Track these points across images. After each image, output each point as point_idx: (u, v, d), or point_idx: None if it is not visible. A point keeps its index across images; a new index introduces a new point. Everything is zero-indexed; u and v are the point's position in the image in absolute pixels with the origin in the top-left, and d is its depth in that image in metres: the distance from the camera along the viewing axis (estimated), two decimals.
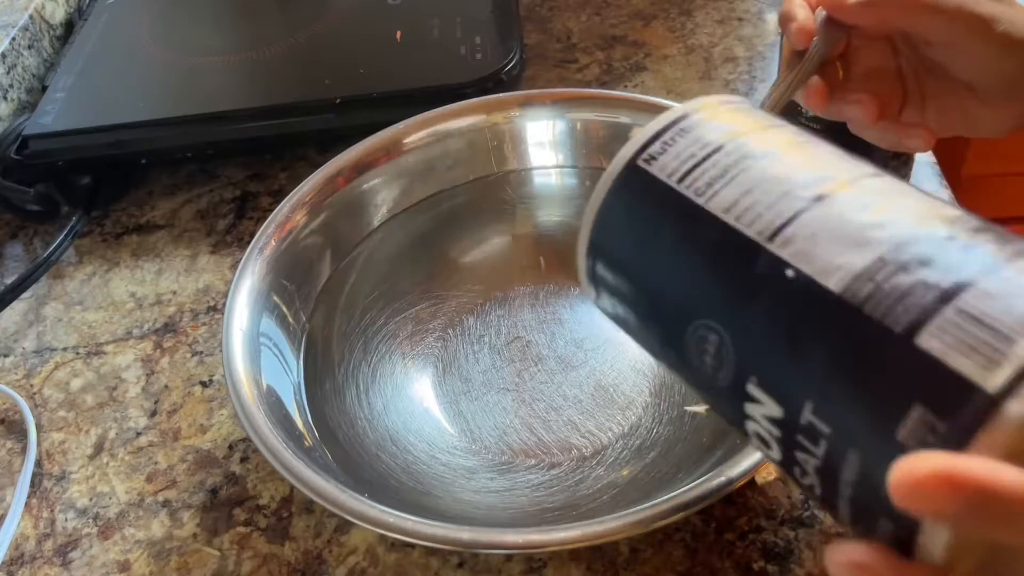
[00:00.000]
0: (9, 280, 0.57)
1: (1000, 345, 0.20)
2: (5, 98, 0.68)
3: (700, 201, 0.26)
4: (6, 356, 0.54)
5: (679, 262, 0.27)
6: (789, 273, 0.24)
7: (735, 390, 0.25)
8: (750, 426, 0.26)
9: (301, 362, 0.46)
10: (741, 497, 0.41)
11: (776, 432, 0.25)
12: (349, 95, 0.60)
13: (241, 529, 0.44)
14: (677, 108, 0.29)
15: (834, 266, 0.23)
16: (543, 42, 0.70)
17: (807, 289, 0.23)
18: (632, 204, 0.28)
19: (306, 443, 0.42)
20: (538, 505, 0.42)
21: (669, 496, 0.35)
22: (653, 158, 0.28)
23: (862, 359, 0.22)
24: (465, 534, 0.35)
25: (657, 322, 0.28)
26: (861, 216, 0.24)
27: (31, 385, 0.52)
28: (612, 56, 0.68)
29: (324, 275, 0.50)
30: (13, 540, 0.45)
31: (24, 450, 0.48)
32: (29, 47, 0.71)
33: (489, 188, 0.54)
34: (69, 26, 0.76)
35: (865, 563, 0.21)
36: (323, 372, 0.47)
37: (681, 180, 0.27)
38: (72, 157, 0.61)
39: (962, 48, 0.36)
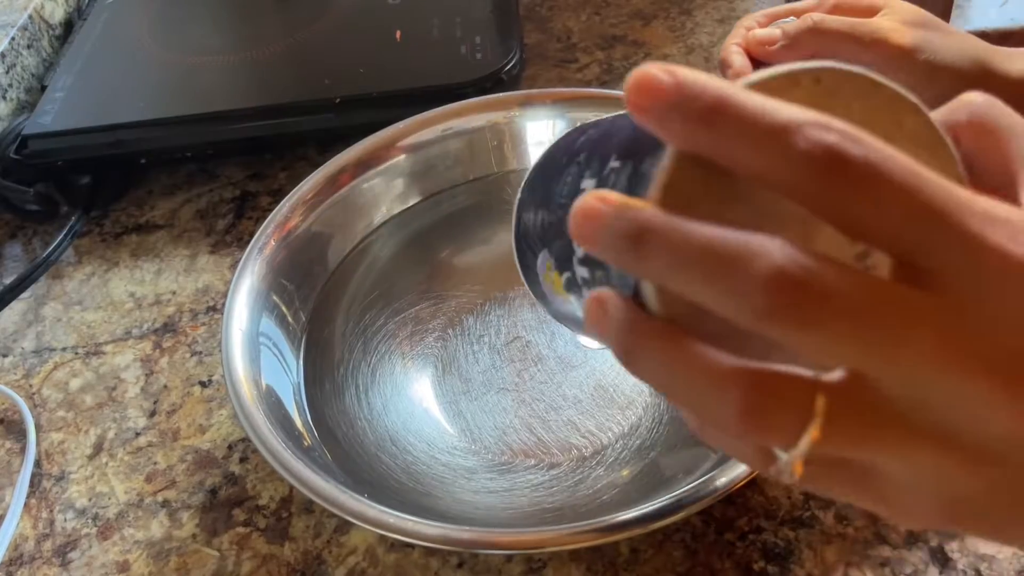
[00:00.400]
0: (8, 280, 0.57)
1: None
2: (4, 98, 0.67)
3: None
4: (5, 356, 0.54)
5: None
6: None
7: (578, 188, 0.28)
8: (578, 271, 0.27)
9: (301, 362, 0.46)
10: (741, 497, 0.41)
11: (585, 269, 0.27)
12: (349, 95, 0.60)
13: (240, 529, 0.44)
14: None
15: None
16: (543, 42, 0.70)
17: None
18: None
19: (305, 443, 0.42)
20: (538, 505, 0.42)
21: (669, 496, 0.35)
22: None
23: None
24: (465, 535, 0.35)
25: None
26: None
27: (30, 385, 0.52)
28: (612, 56, 0.68)
29: (324, 275, 0.50)
30: (12, 540, 0.45)
31: (23, 450, 0.48)
32: (28, 47, 0.71)
33: (489, 188, 0.54)
34: (68, 26, 0.76)
35: (603, 298, 0.22)
36: (323, 372, 0.47)
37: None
38: (71, 157, 0.61)
39: (884, 74, 0.38)
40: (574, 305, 0.29)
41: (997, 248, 0.19)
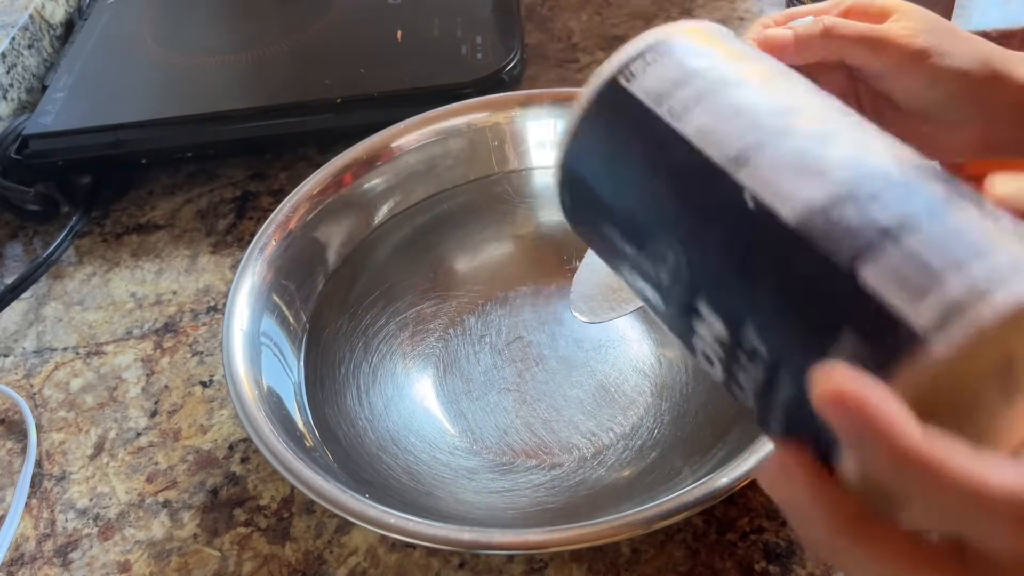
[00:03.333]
0: (9, 280, 0.57)
1: (931, 284, 0.21)
2: (5, 98, 0.67)
3: (674, 124, 0.27)
4: (6, 356, 0.54)
5: (648, 180, 0.27)
6: (748, 200, 0.24)
7: (686, 307, 0.26)
8: (697, 343, 0.27)
9: (301, 362, 0.46)
10: (742, 497, 0.41)
11: (720, 351, 0.25)
12: (349, 95, 0.60)
13: (241, 530, 0.44)
14: (660, 30, 0.30)
15: (791, 197, 0.24)
16: (544, 42, 0.70)
17: (763, 217, 0.24)
18: (609, 120, 0.29)
19: (307, 443, 0.42)
20: (539, 506, 0.42)
21: (671, 497, 0.35)
22: (633, 76, 0.28)
23: (804, 287, 0.23)
24: (466, 535, 0.35)
25: (622, 237, 0.29)
26: (822, 150, 0.25)
27: (31, 385, 0.52)
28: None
29: (325, 275, 0.50)
30: (13, 540, 0.45)
31: (24, 450, 0.48)
32: (29, 47, 0.71)
33: (490, 188, 0.54)
34: (69, 26, 0.76)
35: (790, 464, 0.23)
36: (324, 372, 0.47)
37: (657, 101, 0.27)
38: (72, 157, 0.61)
39: (894, 78, 0.39)
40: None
41: None
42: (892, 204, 0.23)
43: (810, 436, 0.23)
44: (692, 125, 0.26)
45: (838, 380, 0.20)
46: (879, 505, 0.22)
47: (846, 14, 0.39)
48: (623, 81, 0.28)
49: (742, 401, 0.26)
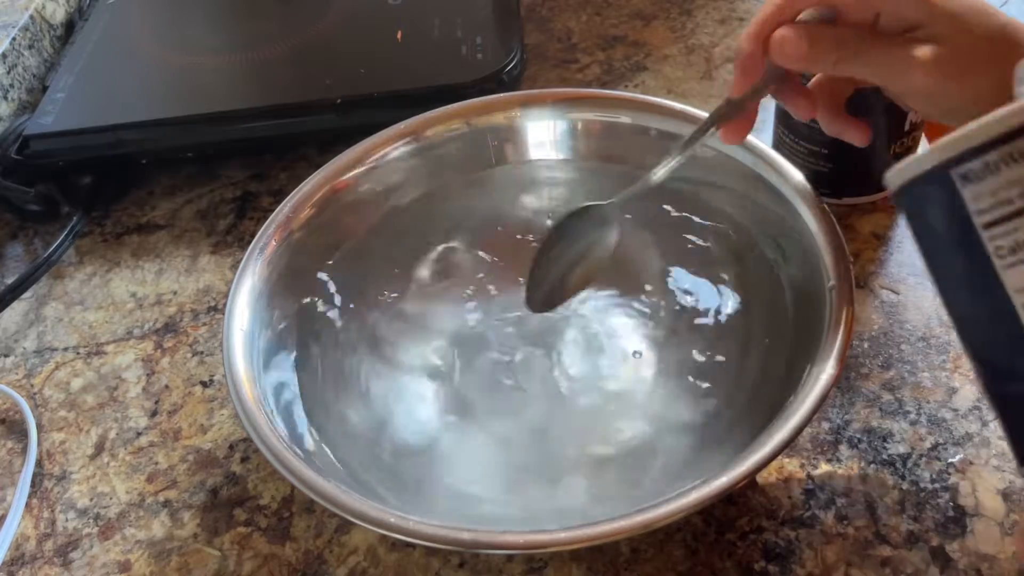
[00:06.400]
0: (9, 280, 0.57)
1: None
2: (5, 98, 0.68)
3: (997, 264, 0.23)
4: (6, 356, 0.54)
5: (959, 298, 0.25)
6: None
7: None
8: None
9: (302, 362, 0.46)
10: (742, 497, 0.41)
11: None
12: (350, 95, 0.60)
13: (242, 529, 0.44)
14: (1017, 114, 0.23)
15: None
16: (543, 42, 0.70)
17: None
18: (928, 212, 0.25)
19: (307, 443, 0.42)
20: (539, 506, 0.42)
21: (670, 496, 0.35)
22: (968, 179, 0.23)
23: None
24: (466, 534, 0.35)
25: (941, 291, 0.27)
26: None
27: (31, 385, 0.52)
28: (612, 56, 0.68)
29: (325, 275, 0.50)
30: (14, 540, 0.45)
31: (24, 450, 0.48)
32: (30, 47, 0.71)
33: (490, 188, 0.54)
34: (69, 26, 0.76)
35: None
36: (324, 372, 0.47)
37: (988, 225, 0.23)
38: (72, 157, 0.61)
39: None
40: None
41: None
42: None
43: None
44: (1017, 276, 0.23)
45: None
46: None
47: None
48: (957, 180, 0.23)
49: None
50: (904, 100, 0.41)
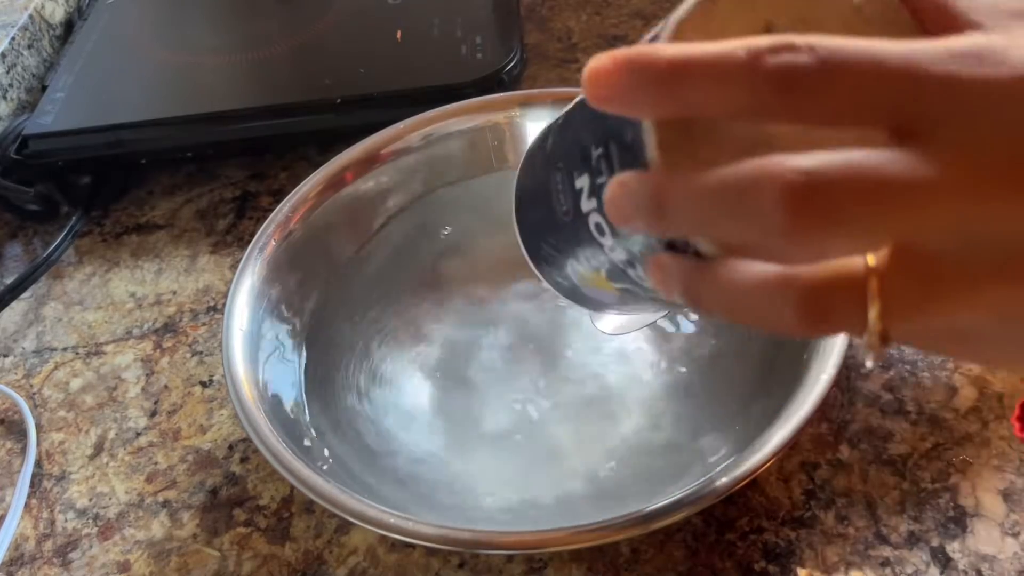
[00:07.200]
0: (9, 280, 0.57)
1: None
2: (5, 98, 0.67)
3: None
4: (6, 356, 0.54)
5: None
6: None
7: (573, 190, 0.28)
8: (591, 219, 0.28)
9: (301, 362, 0.46)
10: (742, 497, 0.41)
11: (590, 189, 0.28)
12: (349, 95, 0.60)
13: (241, 529, 0.44)
14: None
15: None
16: (543, 42, 0.70)
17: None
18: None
19: (306, 443, 0.42)
20: (539, 507, 0.42)
21: (670, 496, 0.35)
22: None
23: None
24: (466, 535, 0.35)
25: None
26: None
27: (31, 385, 0.52)
28: None
29: (324, 275, 0.50)
30: (13, 540, 0.45)
31: (24, 450, 0.48)
32: (29, 47, 0.71)
33: (490, 188, 0.54)
34: (69, 26, 0.76)
35: (661, 261, 0.24)
36: (324, 372, 0.47)
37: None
38: (72, 157, 0.61)
39: None
40: (615, 293, 0.30)
41: (971, 79, 0.19)
42: None
43: (622, 152, 0.24)
44: None
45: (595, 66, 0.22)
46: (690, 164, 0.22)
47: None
48: None
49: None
50: None
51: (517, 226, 0.34)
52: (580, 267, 0.31)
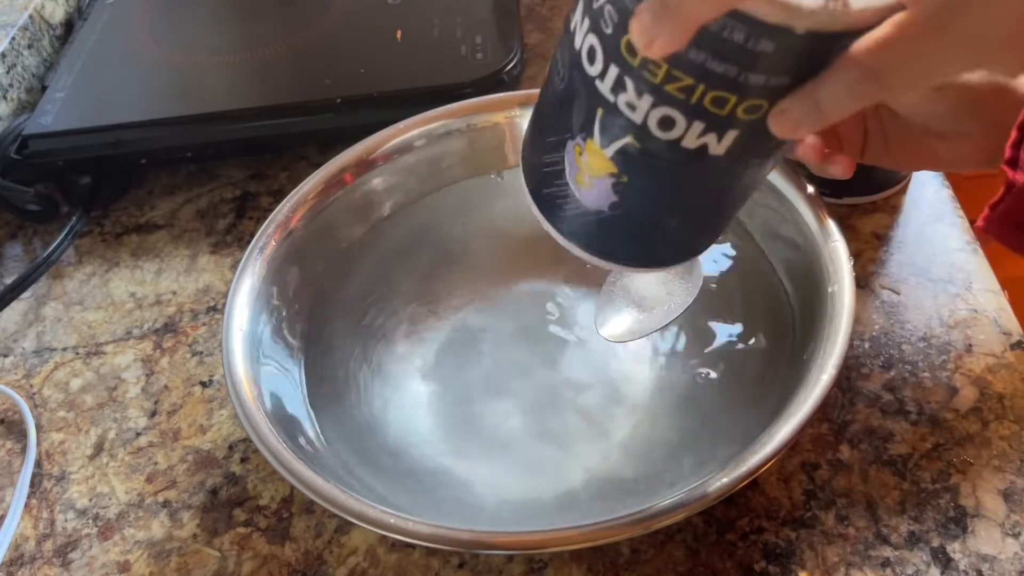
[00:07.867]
0: (9, 280, 0.57)
1: None
2: (5, 98, 0.67)
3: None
4: (6, 356, 0.54)
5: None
6: None
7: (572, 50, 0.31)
8: (585, 43, 0.30)
9: (301, 362, 0.46)
10: (742, 498, 0.41)
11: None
12: (349, 95, 0.60)
13: (241, 530, 0.44)
14: None
15: None
16: (543, 42, 0.70)
17: None
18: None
19: (306, 443, 0.42)
20: (539, 507, 0.42)
21: (670, 497, 0.35)
22: None
23: None
24: (466, 535, 0.35)
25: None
26: None
27: (31, 385, 0.52)
28: None
29: (324, 275, 0.50)
30: (13, 540, 0.45)
31: (24, 450, 0.48)
32: (29, 47, 0.71)
33: (490, 188, 0.54)
34: (69, 26, 0.76)
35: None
36: (324, 372, 0.47)
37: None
38: (72, 157, 0.61)
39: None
40: (611, 177, 0.32)
41: None
42: None
43: None
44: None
45: None
46: None
47: None
48: None
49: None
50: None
51: (521, 163, 0.36)
52: (577, 145, 0.32)
